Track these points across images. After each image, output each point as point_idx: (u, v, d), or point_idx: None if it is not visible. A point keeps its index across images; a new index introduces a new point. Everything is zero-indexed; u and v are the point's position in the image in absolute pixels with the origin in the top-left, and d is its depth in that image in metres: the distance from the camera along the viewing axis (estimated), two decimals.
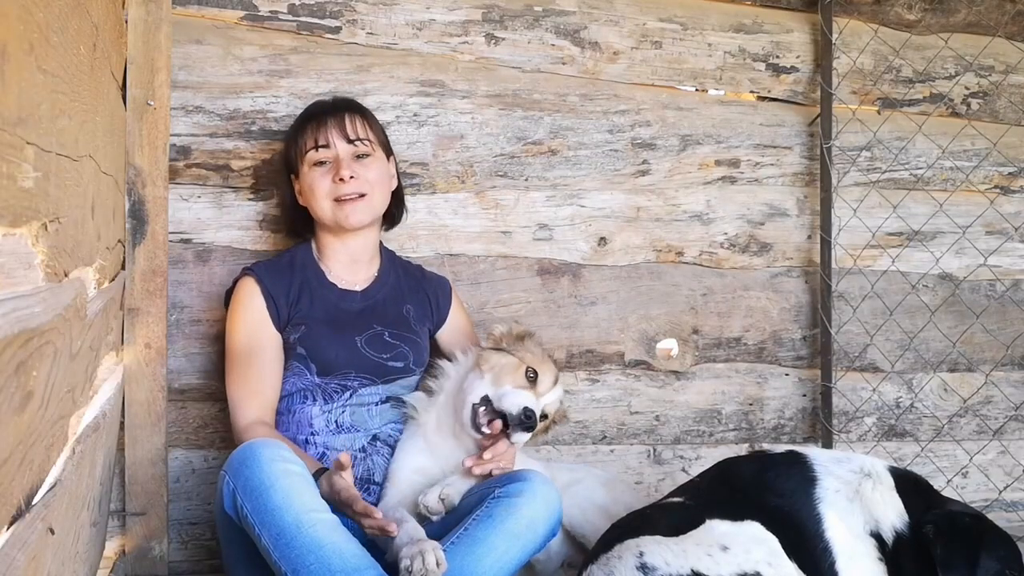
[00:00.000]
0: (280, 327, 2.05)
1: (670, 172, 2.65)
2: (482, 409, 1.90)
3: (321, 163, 2.08)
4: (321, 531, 1.61)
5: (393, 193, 2.20)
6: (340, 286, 2.14)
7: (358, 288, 2.16)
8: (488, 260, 2.53)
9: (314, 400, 2.03)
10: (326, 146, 2.07)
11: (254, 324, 2.03)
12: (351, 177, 2.04)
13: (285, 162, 2.19)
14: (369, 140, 2.11)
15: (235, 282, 2.10)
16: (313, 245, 2.19)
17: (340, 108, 2.12)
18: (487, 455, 1.87)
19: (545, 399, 1.97)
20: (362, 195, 2.07)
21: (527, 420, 1.86)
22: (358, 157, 2.09)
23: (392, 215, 2.27)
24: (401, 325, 2.14)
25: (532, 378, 1.96)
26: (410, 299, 2.20)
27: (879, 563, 1.75)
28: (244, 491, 1.66)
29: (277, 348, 2.04)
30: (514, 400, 1.89)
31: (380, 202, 2.14)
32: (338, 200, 2.06)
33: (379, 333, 2.10)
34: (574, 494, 2.09)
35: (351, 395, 2.03)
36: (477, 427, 1.89)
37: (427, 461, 1.96)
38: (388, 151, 2.20)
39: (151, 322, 2.17)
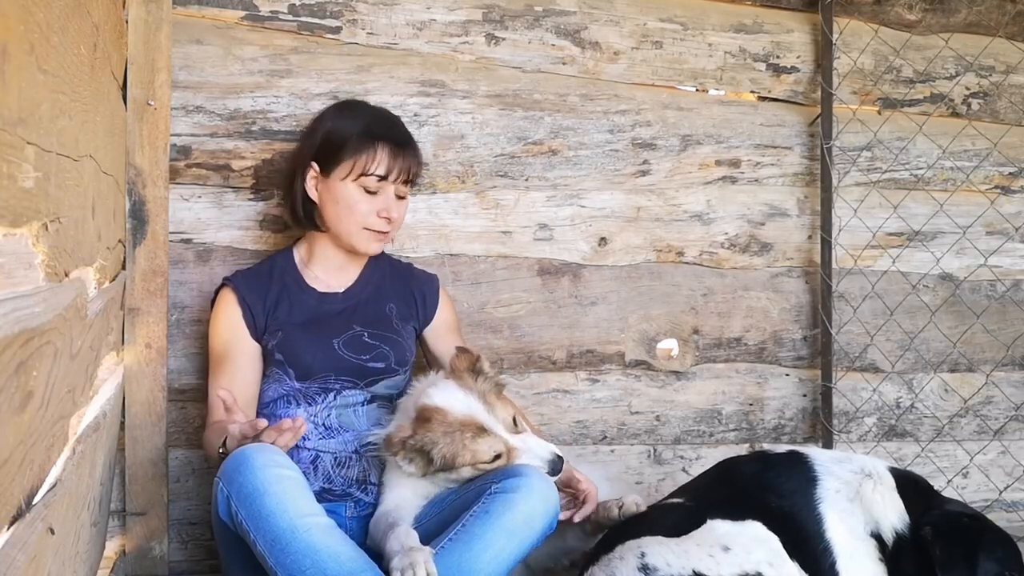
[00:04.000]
0: (258, 336, 2.07)
1: (670, 172, 2.65)
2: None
3: (371, 191, 2.05)
4: (316, 535, 1.61)
5: None
6: (320, 289, 2.14)
7: (340, 290, 2.16)
8: (488, 260, 2.53)
9: (297, 404, 2.02)
10: (385, 178, 2.05)
11: (230, 333, 2.06)
12: (391, 219, 2.07)
13: (321, 148, 2.06)
14: (413, 185, 2.15)
15: (216, 292, 2.13)
16: (297, 250, 2.19)
17: (408, 147, 2.09)
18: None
19: (506, 418, 1.84)
20: (387, 232, 2.10)
21: (557, 463, 1.83)
22: (399, 197, 2.10)
23: None
24: (381, 325, 2.13)
25: (480, 431, 1.79)
26: (394, 298, 2.20)
27: (879, 564, 1.76)
28: (238, 497, 1.66)
29: (253, 356, 2.06)
30: (539, 455, 1.83)
31: (395, 236, 2.26)
32: (367, 230, 2.07)
33: (358, 334, 2.09)
34: None
35: (335, 396, 2.03)
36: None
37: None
38: None
39: (151, 322, 2.17)
